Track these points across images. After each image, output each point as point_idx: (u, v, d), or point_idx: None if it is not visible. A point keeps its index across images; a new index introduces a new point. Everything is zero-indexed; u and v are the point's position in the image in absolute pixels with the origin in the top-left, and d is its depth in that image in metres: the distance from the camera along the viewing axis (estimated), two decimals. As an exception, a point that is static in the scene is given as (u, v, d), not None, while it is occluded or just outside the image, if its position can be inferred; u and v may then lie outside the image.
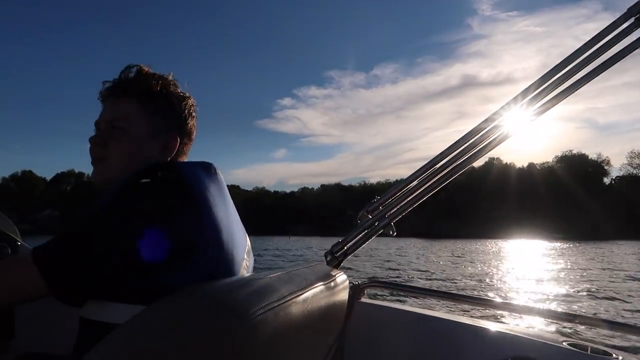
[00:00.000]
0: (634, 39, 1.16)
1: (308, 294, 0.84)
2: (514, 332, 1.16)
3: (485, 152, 1.34)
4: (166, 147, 1.02)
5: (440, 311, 1.36)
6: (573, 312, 1.29)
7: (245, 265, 0.97)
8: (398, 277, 14.53)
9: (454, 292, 1.58)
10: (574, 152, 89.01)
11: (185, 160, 1.09)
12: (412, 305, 1.42)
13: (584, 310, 9.24)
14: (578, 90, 1.22)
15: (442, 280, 14.14)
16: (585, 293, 11.62)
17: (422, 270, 16.91)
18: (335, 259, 1.41)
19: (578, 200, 71.22)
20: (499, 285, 13.47)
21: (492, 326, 1.21)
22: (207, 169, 0.97)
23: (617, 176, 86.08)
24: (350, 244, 1.43)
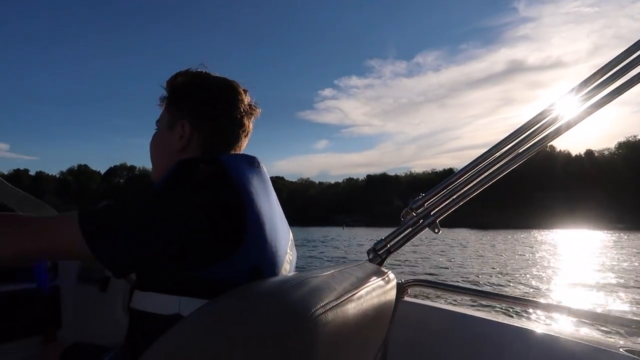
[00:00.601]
0: None
1: (362, 292, 0.82)
2: (565, 336, 1.10)
3: (539, 147, 1.26)
4: (181, 135, 1.03)
5: (486, 312, 1.31)
6: (633, 318, 1.20)
7: (288, 259, 0.97)
8: (441, 274, 14.21)
9: (500, 292, 1.52)
10: (639, 137, 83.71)
11: (212, 147, 1.05)
12: (456, 305, 1.38)
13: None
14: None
15: (490, 276, 13.76)
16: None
17: (470, 267, 16.48)
18: (378, 257, 1.39)
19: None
20: (553, 284, 12.92)
21: (541, 329, 1.15)
22: (251, 163, 0.98)
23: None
24: (393, 241, 1.40)
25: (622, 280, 12.77)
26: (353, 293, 0.77)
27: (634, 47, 1.12)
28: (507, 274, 14.15)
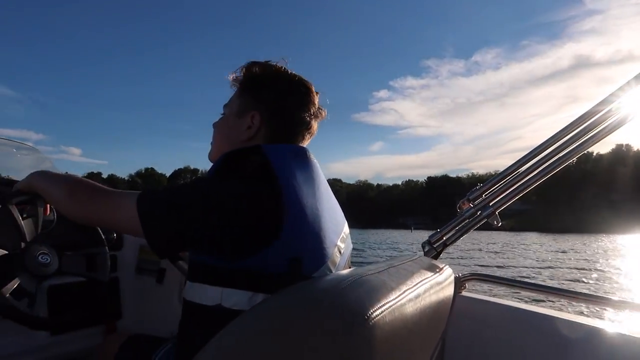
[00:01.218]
0: None
1: (419, 289, 0.80)
2: (636, 335, 1.01)
3: (601, 137, 1.17)
4: (249, 126, 1.02)
5: (548, 308, 1.23)
6: None
7: (337, 251, 0.95)
8: (497, 271, 13.57)
9: (564, 287, 1.41)
10: None
11: (279, 140, 1.04)
12: (516, 300, 1.31)
13: None
14: None
15: (556, 276, 13.03)
16: None
17: (532, 266, 15.65)
18: (433, 250, 1.35)
19: None
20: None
21: (609, 327, 1.06)
22: (298, 153, 0.97)
23: None
24: (449, 234, 1.36)
25: None
26: (411, 291, 0.75)
27: None
28: (581, 276, 13.35)
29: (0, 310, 1.13)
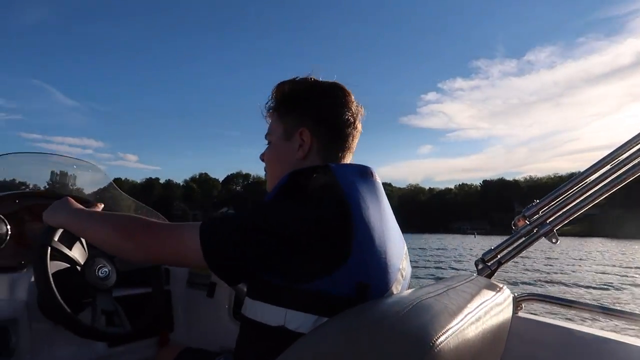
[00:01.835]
0: None
1: (480, 312, 0.78)
2: None
3: None
4: (301, 144, 1.01)
5: (609, 331, 1.15)
6: None
7: (401, 275, 0.92)
8: (553, 290, 12.82)
9: (628, 310, 1.30)
10: None
11: (330, 151, 1.03)
12: (577, 324, 1.24)
13: None
14: None
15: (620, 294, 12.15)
16: None
17: (594, 281, 14.66)
18: (487, 268, 1.31)
19: None
20: None
21: None
22: (363, 173, 0.95)
23: None
24: (504, 252, 1.31)
25: None
26: (472, 314, 0.74)
27: None
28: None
29: (65, 323, 1.20)
